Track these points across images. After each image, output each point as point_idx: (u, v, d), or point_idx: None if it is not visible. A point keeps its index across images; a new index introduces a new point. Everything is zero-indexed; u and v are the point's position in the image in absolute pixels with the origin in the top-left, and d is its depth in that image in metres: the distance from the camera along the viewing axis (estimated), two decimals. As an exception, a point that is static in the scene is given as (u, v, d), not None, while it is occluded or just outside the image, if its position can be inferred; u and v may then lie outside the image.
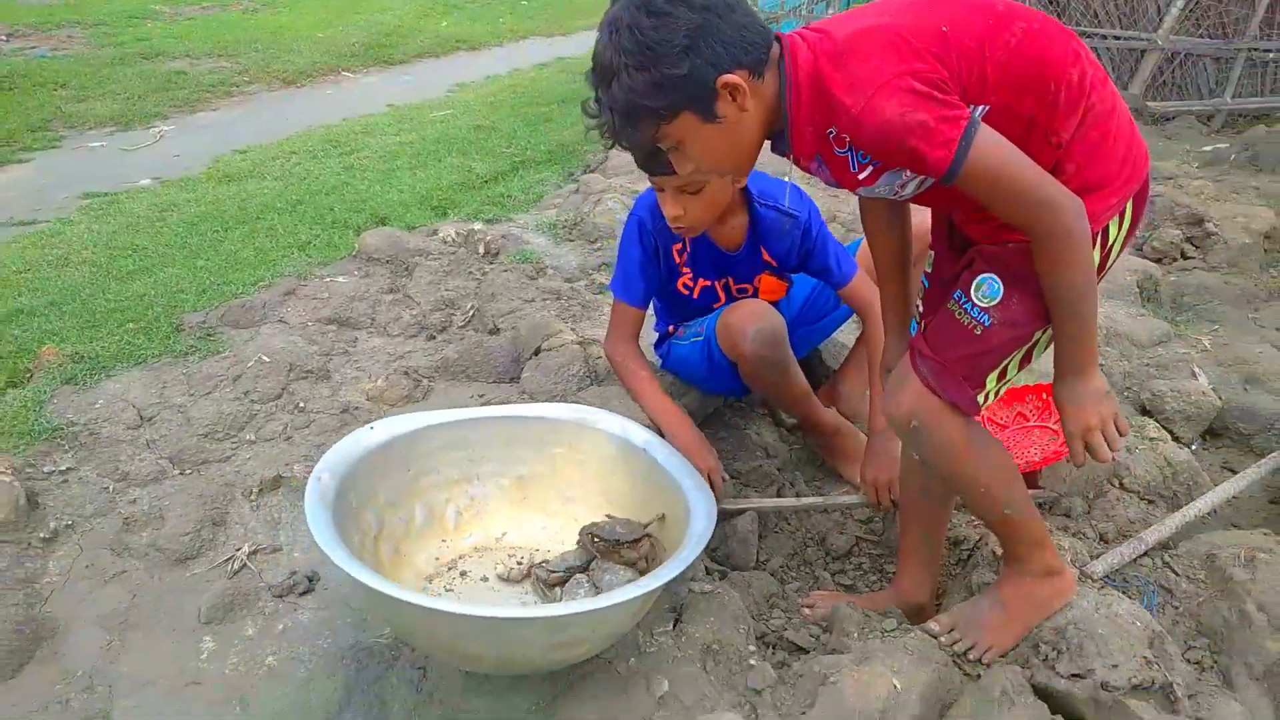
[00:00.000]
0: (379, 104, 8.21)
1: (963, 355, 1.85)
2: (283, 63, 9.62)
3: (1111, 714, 1.89)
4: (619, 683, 1.94)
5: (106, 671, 2.11)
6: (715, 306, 2.71)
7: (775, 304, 2.69)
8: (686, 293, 2.73)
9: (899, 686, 1.87)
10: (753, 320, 2.49)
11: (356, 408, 3.04)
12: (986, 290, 1.82)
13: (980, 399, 1.89)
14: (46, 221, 5.04)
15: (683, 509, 2.10)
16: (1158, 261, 4.78)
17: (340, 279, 3.88)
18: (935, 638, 2.06)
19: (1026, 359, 1.91)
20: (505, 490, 2.42)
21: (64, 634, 2.21)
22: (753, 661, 2.05)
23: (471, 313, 3.62)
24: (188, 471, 2.73)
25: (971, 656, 2.03)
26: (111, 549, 2.44)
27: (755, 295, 2.71)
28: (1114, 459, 2.10)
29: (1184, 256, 4.86)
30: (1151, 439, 2.87)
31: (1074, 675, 1.94)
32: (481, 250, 4.26)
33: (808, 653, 2.16)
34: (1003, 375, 1.90)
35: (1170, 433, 3.02)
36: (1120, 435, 1.83)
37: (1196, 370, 3.38)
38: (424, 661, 2.04)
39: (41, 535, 2.44)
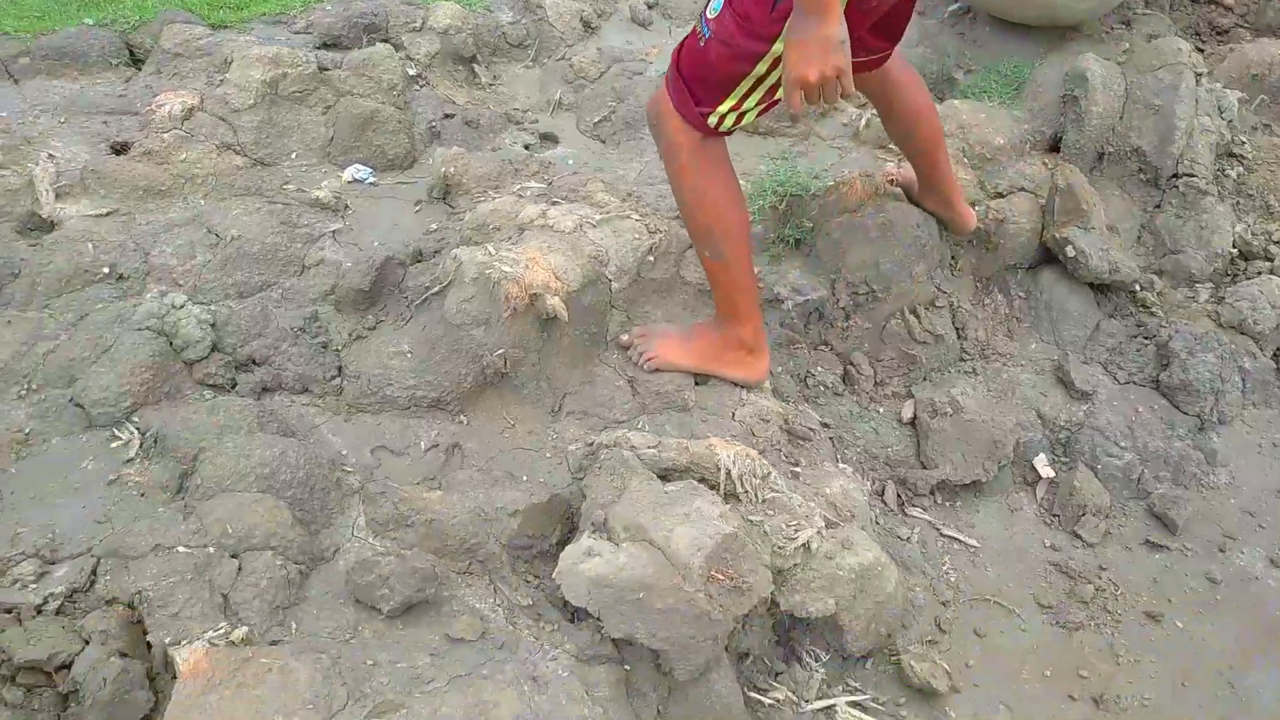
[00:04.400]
0: None
1: (690, 65, 1.84)
2: None
3: None
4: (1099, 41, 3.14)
5: None
6: None
7: None
8: None
9: None
10: None
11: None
12: (713, 3, 1.77)
13: (711, 120, 1.87)
14: None
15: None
16: None
17: None
18: (624, 349, 2.24)
19: (768, 97, 1.84)
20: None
21: None
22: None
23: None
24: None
25: (637, 361, 2.20)
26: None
27: None
28: (820, 112, 2.19)
29: None
30: None
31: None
32: None
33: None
34: (738, 106, 1.84)
35: None
36: (841, 95, 1.63)
37: None
38: (965, 21, 3.30)
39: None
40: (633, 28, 3.42)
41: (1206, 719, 1.96)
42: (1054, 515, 2.32)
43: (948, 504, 2.32)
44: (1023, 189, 2.76)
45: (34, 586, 1.75)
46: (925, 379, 2.49)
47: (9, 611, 1.71)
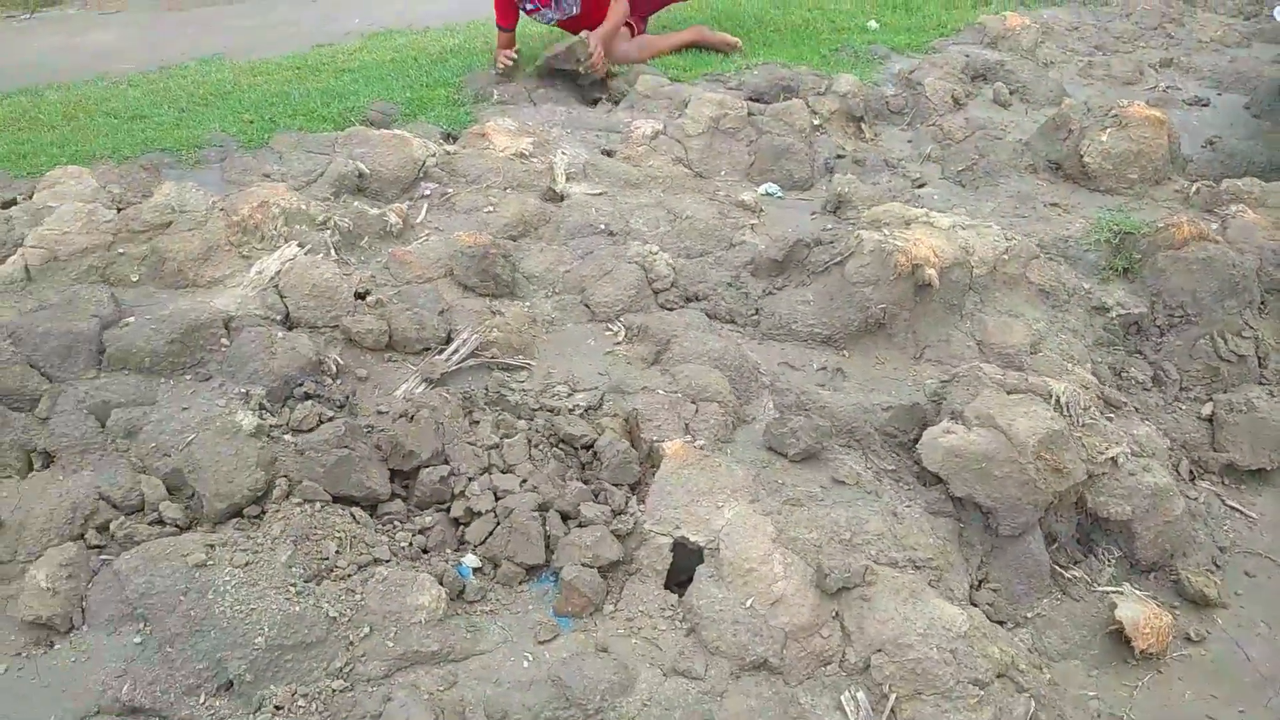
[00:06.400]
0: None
1: None
2: None
3: None
4: None
5: None
6: None
7: None
8: None
9: None
10: None
11: None
12: None
13: None
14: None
15: None
16: None
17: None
18: None
19: None
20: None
21: None
22: None
23: None
24: None
25: None
26: None
27: None
28: None
29: None
30: None
31: None
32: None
33: None
34: None
35: None
36: None
37: None
38: None
39: None
40: (994, 107, 4.14)
41: None
42: (1333, 509, 2.72)
43: (1234, 485, 2.79)
44: (1340, 256, 3.20)
45: (565, 399, 2.67)
46: (1225, 391, 2.97)
47: (552, 410, 2.63)
